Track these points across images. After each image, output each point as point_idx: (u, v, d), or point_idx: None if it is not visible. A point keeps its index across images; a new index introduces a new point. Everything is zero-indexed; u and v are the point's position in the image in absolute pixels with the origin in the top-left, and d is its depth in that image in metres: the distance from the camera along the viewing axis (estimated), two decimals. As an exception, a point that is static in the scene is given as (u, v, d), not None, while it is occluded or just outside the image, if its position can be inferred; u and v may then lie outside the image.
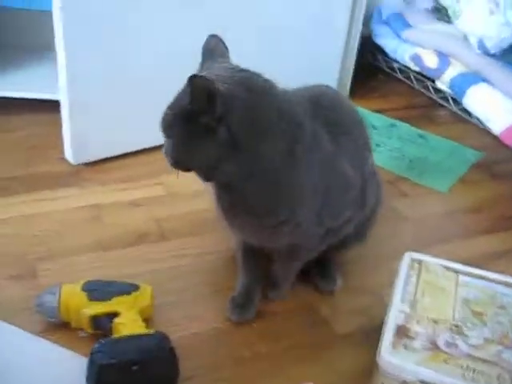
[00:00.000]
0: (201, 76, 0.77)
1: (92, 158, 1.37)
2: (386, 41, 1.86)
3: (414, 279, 0.95)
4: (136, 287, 0.95)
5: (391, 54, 1.88)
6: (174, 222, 1.23)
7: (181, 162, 0.84)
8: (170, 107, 0.82)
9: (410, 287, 0.94)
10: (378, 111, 1.83)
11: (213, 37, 0.89)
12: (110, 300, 0.93)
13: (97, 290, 0.94)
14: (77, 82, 1.26)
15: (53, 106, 1.43)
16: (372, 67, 2.04)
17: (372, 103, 1.88)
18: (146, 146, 1.38)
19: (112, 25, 1.24)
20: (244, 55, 0.84)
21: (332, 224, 0.96)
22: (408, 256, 1.00)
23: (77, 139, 1.33)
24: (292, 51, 1.57)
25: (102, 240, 1.16)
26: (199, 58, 0.88)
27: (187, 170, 0.85)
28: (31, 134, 1.50)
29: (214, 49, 0.88)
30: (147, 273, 1.08)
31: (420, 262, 0.99)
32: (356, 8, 1.70)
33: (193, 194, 1.27)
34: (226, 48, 0.90)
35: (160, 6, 1.28)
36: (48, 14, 1.43)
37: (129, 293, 0.94)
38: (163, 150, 0.85)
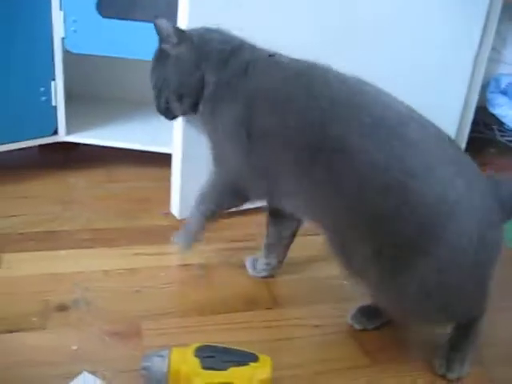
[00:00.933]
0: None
1: (198, 215, 1.31)
2: (505, 111, 1.75)
3: None
4: (255, 357, 0.84)
5: (510, 125, 1.76)
6: (286, 287, 1.13)
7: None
8: None
9: None
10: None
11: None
12: (225, 370, 0.82)
13: (211, 358, 0.83)
14: (191, 135, 1.22)
15: (162, 159, 1.41)
16: (484, 139, 1.92)
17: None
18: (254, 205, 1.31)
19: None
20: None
21: None
22: None
23: (185, 194, 1.28)
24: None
25: (210, 302, 1.06)
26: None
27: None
28: (139, 186, 1.49)
29: None
30: (259, 342, 0.97)
31: None
32: (474, 77, 1.62)
33: (307, 258, 1.17)
34: None
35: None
36: None
37: (247, 363, 0.83)
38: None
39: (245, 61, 0.96)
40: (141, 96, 1.71)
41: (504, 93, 1.75)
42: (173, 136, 1.26)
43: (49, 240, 1.22)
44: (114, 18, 1.35)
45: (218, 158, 1.03)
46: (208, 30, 1.02)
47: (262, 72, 0.95)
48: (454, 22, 1.47)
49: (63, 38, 1.36)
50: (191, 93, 1.01)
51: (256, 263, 1.14)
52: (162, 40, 1.02)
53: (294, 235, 1.10)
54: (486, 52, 1.61)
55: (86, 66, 1.58)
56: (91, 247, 1.21)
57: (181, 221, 1.31)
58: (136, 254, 1.20)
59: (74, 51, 1.38)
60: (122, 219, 1.32)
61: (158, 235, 1.27)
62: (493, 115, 1.82)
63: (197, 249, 1.21)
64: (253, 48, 0.99)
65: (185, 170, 1.26)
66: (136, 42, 1.35)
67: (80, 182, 1.48)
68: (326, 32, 1.26)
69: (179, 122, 1.21)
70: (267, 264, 1.13)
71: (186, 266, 1.18)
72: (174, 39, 1.00)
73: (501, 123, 1.83)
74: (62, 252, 1.18)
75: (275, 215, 1.07)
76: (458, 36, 1.50)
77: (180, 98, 1.03)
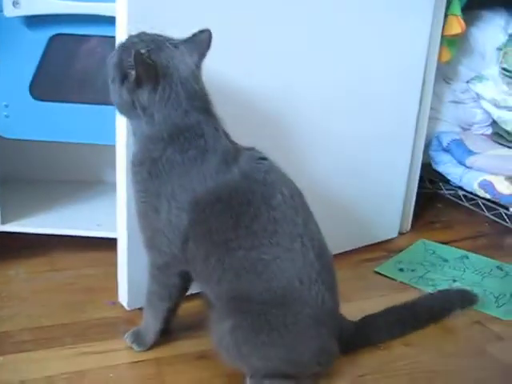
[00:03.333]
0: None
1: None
2: (449, 168, 1.78)
3: None
4: None
5: (455, 182, 1.79)
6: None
7: None
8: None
9: None
10: (444, 242, 1.70)
11: None
12: None
13: None
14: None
15: (107, 243, 1.34)
16: (430, 195, 1.94)
17: (435, 234, 1.76)
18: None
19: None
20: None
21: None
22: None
23: (132, 281, 1.20)
24: (357, 177, 1.50)
25: (166, 405, 0.99)
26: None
27: None
28: (83, 274, 1.39)
29: None
30: None
31: None
32: (417, 135, 1.64)
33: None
34: None
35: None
36: (100, 148, 1.41)
37: None
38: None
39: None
40: (80, 177, 1.67)
41: (446, 150, 1.78)
42: (117, 220, 1.19)
43: (-16, 345, 1.11)
44: (48, 100, 1.30)
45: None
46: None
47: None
48: (394, 82, 1.49)
49: (-5, 124, 1.30)
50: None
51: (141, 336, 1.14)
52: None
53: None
54: (427, 111, 1.64)
55: (19, 149, 1.49)
56: (32, 350, 1.11)
57: (129, 311, 1.23)
58: (83, 353, 1.11)
59: (7, 137, 1.31)
60: (65, 313, 1.23)
61: (105, 329, 1.18)
62: (437, 172, 1.85)
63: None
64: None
65: (131, 256, 1.18)
66: (72, 124, 1.30)
67: (20, 274, 1.38)
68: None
69: (122, 205, 1.15)
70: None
71: (138, 363, 1.09)
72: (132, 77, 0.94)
73: (446, 179, 1.85)
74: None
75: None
76: (399, 97, 1.53)
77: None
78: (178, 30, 0.99)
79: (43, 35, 1.24)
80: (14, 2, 1.18)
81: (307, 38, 1.28)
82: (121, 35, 1.04)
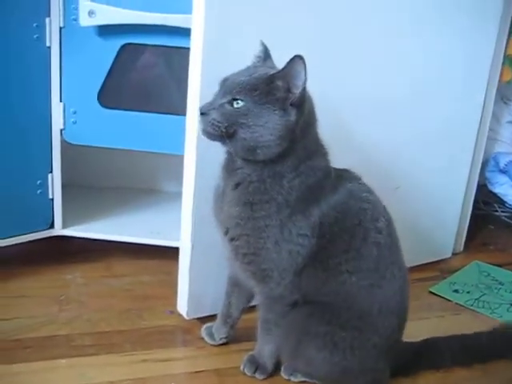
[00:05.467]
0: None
1: (208, 312, 1.23)
2: (506, 190, 1.75)
3: None
4: None
5: (512, 204, 1.75)
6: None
7: (235, 126, 0.88)
8: (249, 75, 0.91)
9: None
10: (497, 265, 1.67)
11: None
12: None
13: None
14: (201, 228, 1.16)
15: (165, 251, 1.34)
16: (483, 216, 1.90)
17: (489, 256, 1.72)
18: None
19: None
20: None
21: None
22: None
23: (193, 291, 1.20)
24: (414, 196, 1.48)
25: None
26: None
27: (230, 135, 0.89)
28: (141, 281, 1.40)
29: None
30: None
31: None
32: (475, 156, 1.61)
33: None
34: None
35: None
36: (158, 157, 1.43)
37: None
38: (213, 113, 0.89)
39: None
40: (138, 185, 1.69)
41: (503, 172, 1.75)
42: (181, 229, 1.19)
43: (46, 347, 1.12)
44: (115, 108, 1.32)
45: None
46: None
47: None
48: (458, 103, 1.47)
49: (62, 130, 1.32)
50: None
51: (213, 332, 1.16)
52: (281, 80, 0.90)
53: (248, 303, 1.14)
54: (485, 131, 1.62)
55: (81, 155, 1.52)
56: (94, 354, 1.12)
57: (187, 321, 1.23)
58: (142, 360, 1.11)
59: (74, 143, 1.33)
60: (124, 319, 1.24)
61: (164, 337, 1.19)
62: (491, 193, 1.82)
63: (208, 351, 1.14)
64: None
65: (194, 266, 1.19)
66: (137, 132, 1.32)
67: (77, 279, 1.39)
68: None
69: (188, 214, 1.16)
70: (226, 332, 1.15)
71: (200, 374, 1.09)
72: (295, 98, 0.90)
73: (501, 201, 1.82)
74: (62, 361, 1.09)
75: (236, 285, 1.11)
76: (461, 117, 1.51)
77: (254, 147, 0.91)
78: (253, 43, 1.00)
79: (114, 44, 1.26)
80: (89, 12, 1.21)
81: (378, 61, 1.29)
82: (196, 46, 1.05)
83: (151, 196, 1.62)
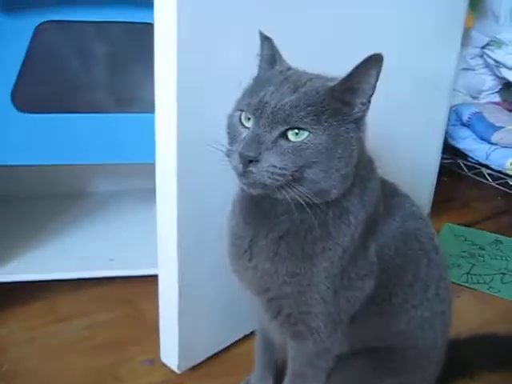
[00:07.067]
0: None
1: (201, 357, 1.00)
2: (471, 145, 1.64)
3: None
4: None
5: (480, 160, 1.65)
6: None
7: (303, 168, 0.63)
8: (295, 90, 0.64)
9: None
10: (466, 225, 1.59)
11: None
12: None
13: None
14: (189, 256, 0.91)
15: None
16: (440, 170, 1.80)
17: (457, 215, 1.64)
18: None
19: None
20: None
21: None
22: None
23: (185, 338, 0.95)
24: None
25: None
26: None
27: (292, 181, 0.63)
28: (96, 322, 1.11)
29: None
30: None
31: None
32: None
33: None
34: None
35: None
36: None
37: None
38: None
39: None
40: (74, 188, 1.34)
41: (466, 125, 1.63)
42: (158, 262, 0.92)
43: None
44: (37, 112, 0.97)
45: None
46: None
47: None
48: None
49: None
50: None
51: None
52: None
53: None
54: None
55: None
56: None
57: (180, 374, 0.98)
58: None
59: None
60: (98, 375, 0.97)
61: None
62: (452, 147, 1.71)
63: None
64: None
65: (183, 307, 0.93)
66: (75, 141, 0.99)
67: (16, 333, 1.07)
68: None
69: (171, 241, 0.88)
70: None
71: None
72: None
73: (464, 156, 1.72)
74: None
75: (267, 340, 0.91)
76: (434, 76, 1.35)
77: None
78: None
79: (28, 24, 0.91)
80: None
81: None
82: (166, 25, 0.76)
83: (88, 201, 1.29)
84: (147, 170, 1.17)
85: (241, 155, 0.62)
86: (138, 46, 0.99)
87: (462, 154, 1.71)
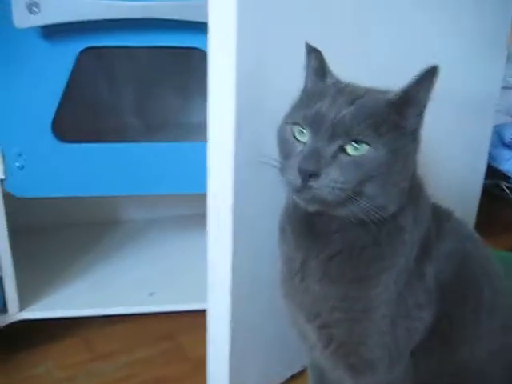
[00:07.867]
0: None
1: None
2: (512, 166, 1.58)
3: None
4: None
5: (522, 181, 1.59)
6: None
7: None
8: (351, 102, 0.61)
9: None
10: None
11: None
12: None
13: None
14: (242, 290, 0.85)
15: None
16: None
17: (498, 240, 1.58)
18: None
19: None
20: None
21: None
22: None
23: (235, 379, 0.89)
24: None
25: None
26: None
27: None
28: (136, 360, 1.05)
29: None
30: None
31: None
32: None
33: None
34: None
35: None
36: None
37: None
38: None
39: None
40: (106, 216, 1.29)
41: (508, 146, 1.57)
42: (208, 301, 0.87)
43: None
44: (78, 141, 0.93)
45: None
46: None
47: None
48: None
49: (2, 180, 0.92)
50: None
51: None
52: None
53: None
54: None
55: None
56: None
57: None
58: None
59: (22, 195, 0.94)
60: None
61: None
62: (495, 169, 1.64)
63: None
64: None
65: (235, 347, 0.87)
66: (117, 171, 0.95)
67: (53, 372, 1.01)
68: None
69: (226, 275, 0.82)
70: None
71: None
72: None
73: (507, 178, 1.65)
74: None
75: (320, 378, 0.84)
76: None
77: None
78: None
79: (70, 50, 0.87)
80: (29, 5, 0.80)
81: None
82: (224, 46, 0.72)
83: (122, 231, 1.24)
84: (183, 197, 1.14)
85: (300, 170, 0.59)
86: (180, 71, 0.95)
87: (504, 176, 1.65)
